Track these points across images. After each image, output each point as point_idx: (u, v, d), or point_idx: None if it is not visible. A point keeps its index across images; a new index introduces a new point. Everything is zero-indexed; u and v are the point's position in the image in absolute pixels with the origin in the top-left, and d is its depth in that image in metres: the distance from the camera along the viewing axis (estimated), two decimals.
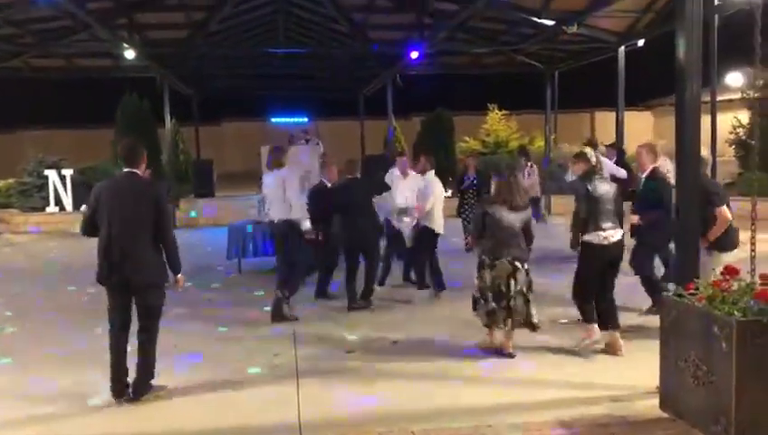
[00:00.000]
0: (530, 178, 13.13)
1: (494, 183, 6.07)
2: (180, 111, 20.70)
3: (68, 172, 16.51)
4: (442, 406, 4.82)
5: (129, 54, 13.64)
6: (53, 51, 15.83)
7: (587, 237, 5.84)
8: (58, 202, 16.41)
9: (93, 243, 5.07)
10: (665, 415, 4.49)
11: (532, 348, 6.00)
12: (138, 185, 5.13)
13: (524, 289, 5.82)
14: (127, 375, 5.10)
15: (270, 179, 7.60)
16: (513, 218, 5.82)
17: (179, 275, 5.27)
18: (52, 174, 16.36)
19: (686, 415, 4.34)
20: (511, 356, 5.79)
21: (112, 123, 18.05)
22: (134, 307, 5.10)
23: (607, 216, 5.83)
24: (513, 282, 5.75)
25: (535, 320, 5.89)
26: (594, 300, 5.95)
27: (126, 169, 5.15)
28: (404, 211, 8.49)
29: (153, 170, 5.43)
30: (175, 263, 5.15)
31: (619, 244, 5.90)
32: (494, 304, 5.80)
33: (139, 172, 5.21)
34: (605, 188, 5.93)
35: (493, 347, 5.96)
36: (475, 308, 6.06)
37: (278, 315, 7.25)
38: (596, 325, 5.93)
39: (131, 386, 5.07)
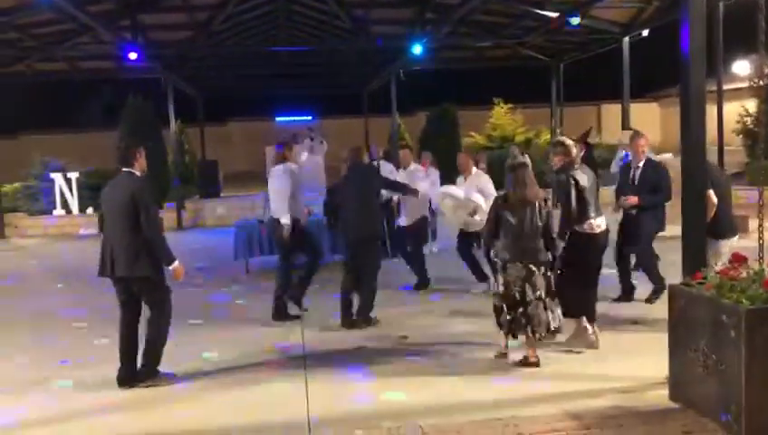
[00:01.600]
0: None
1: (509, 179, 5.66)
2: (185, 112, 20.71)
3: (73, 175, 16.56)
4: (450, 400, 4.81)
5: (134, 56, 13.65)
6: (56, 54, 15.86)
7: (577, 228, 5.73)
8: (64, 205, 16.46)
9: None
10: (675, 405, 4.47)
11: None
12: (123, 183, 5.35)
13: (542, 294, 5.39)
14: (129, 365, 5.31)
15: (276, 175, 7.40)
16: (524, 215, 5.40)
17: (174, 266, 5.33)
18: (57, 177, 16.41)
19: (696, 404, 4.31)
20: (537, 365, 5.37)
21: (117, 126, 18.07)
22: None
23: (591, 205, 5.77)
24: (528, 287, 5.35)
25: (553, 326, 5.44)
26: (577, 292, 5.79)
27: (123, 170, 5.42)
28: (475, 211, 7.77)
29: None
30: (161, 255, 5.28)
31: (606, 232, 5.91)
32: (511, 313, 5.40)
33: (134, 171, 5.40)
34: (586, 178, 5.81)
35: (505, 356, 5.58)
36: (498, 320, 5.56)
37: (281, 314, 7.20)
38: (585, 318, 5.79)
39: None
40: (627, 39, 14.25)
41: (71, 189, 16.43)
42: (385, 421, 4.44)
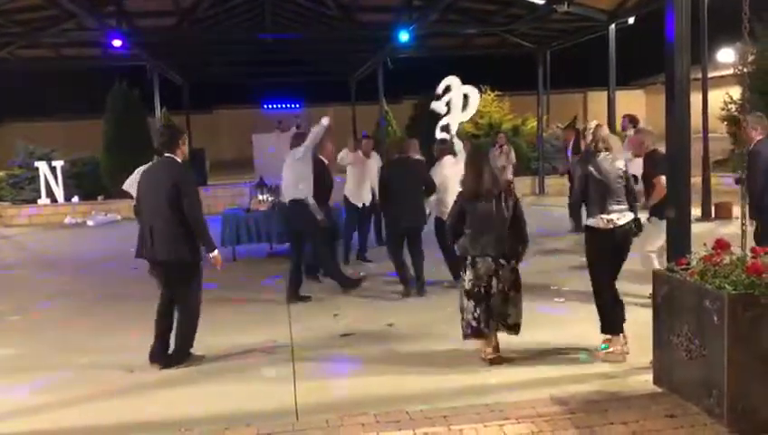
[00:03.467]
0: (506, 159, 12.95)
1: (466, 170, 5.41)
2: (171, 100, 20.56)
3: (58, 163, 16.42)
4: (437, 387, 4.84)
5: (118, 43, 13.51)
6: (41, 41, 15.67)
7: (590, 222, 5.35)
8: (49, 194, 16.32)
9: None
10: (659, 390, 4.53)
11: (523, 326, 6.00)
12: (166, 169, 5.43)
13: (506, 288, 5.22)
14: (159, 344, 5.47)
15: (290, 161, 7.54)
16: (490, 207, 5.18)
17: (214, 254, 5.47)
18: (42, 166, 16.26)
19: (679, 389, 4.37)
20: (498, 361, 5.18)
21: (102, 113, 17.92)
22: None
23: (613, 197, 5.29)
24: (494, 281, 5.19)
25: (510, 321, 5.25)
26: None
27: (165, 155, 5.50)
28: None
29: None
30: (204, 241, 5.41)
31: (625, 229, 5.33)
32: (477, 312, 5.21)
33: (176, 157, 5.47)
34: (611, 166, 5.36)
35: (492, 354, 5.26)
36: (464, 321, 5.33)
37: (295, 296, 7.38)
38: (621, 335, 5.31)
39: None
40: (613, 26, 14.26)
41: (56, 178, 16.30)
42: (371, 408, 4.47)
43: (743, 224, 4.55)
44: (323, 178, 8.02)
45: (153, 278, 5.58)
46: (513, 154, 13.84)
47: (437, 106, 9.06)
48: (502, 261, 5.21)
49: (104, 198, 16.59)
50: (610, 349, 5.29)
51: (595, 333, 5.71)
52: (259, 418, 4.45)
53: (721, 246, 4.31)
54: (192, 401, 4.80)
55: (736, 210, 5.50)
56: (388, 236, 8.15)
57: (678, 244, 4.91)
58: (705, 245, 4.43)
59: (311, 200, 7.38)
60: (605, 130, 5.62)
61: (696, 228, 5.86)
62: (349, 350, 5.78)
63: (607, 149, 5.45)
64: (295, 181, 7.41)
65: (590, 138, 5.57)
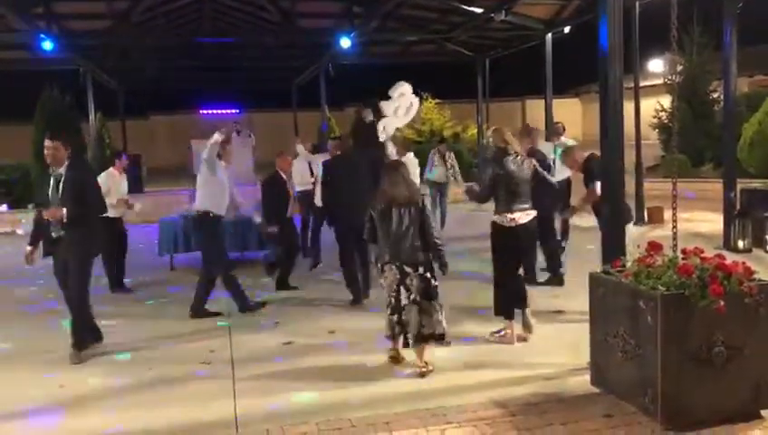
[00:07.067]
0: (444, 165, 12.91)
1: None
2: (106, 105, 19.97)
3: None
4: (378, 393, 4.81)
5: (48, 46, 13.03)
6: None
7: (495, 218, 5.85)
8: None
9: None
10: (596, 390, 4.61)
11: (463, 332, 6.05)
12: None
13: (418, 298, 5.16)
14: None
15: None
16: (398, 215, 5.18)
17: None
18: None
19: (616, 389, 4.46)
20: (422, 375, 5.07)
21: (32, 119, 17.26)
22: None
23: (519, 197, 5.79)
24: (403, 290, 5.19)
25: (425, 331, 5.14)
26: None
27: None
28: None
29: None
30: None
31: (529, 225, 5.87)
32: (393, 317, 5.29)
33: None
34: (519, 168, 5.80)
35: (400, 361, 5.37)
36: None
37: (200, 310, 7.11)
38: (511, 322, 5.80)
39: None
40: (549, 36, 14.59)
41: None
42: (313, 417, 4.41)
43: (674, 227, 4.69)
44: (280, 195, 8.15)
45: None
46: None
47: (386, 107, 9.15)
48: (407, 269, 5.17)
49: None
50: (502, 332, 5.83)
51: (534, 335, 5.85)
52: (197, 430, 4.34)
53: (654, 247, 4.43)
54: (125, 413, 4.63)
55: (668, 214, 5.66)
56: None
57: (613, 246, 5.03)
58: (638, 247, 4.55)
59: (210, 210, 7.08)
60: (508, 134, 5.99)
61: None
62: (290, 358, 5.69)
63: (515, 152, 5.89)
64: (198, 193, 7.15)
65: (495, 140, 5.97)
